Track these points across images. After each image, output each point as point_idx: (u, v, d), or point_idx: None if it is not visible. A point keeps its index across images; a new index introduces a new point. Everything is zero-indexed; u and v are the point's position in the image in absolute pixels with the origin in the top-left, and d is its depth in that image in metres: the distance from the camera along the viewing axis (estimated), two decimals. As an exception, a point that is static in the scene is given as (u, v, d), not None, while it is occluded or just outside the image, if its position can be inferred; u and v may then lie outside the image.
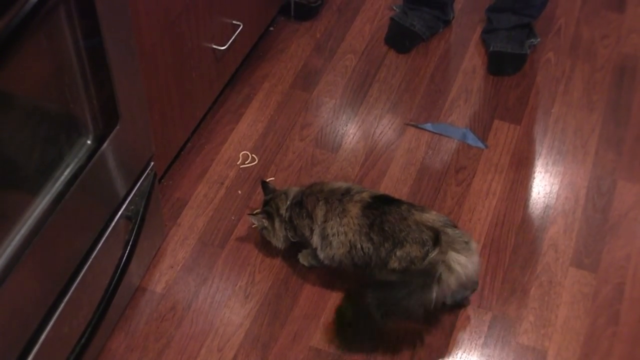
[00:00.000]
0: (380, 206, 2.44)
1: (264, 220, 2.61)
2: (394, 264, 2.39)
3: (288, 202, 2.57)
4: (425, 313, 2.34)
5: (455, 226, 2.40)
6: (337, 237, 2.45)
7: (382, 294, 2.34)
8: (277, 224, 2.59)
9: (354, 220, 2.43)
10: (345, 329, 2.51)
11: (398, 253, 2.37)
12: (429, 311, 2.35)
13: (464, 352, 2.52)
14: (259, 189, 2.84)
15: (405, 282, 2.32)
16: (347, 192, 2.49)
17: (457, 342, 2.54)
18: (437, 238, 2.34)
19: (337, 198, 2.48)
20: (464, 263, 2.33)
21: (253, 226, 2.73)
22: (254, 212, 2.64)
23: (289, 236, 2.60)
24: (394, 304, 2.32)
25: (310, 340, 2.53)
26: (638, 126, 3.12)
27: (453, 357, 2.51)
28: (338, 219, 2.45)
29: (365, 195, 2.48)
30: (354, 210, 2.44)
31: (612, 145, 3.06)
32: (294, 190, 2.61)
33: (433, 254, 2.32)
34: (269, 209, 2.60)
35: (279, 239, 2.62)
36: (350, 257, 2.46)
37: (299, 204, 2.54)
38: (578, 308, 2.62)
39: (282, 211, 2.57)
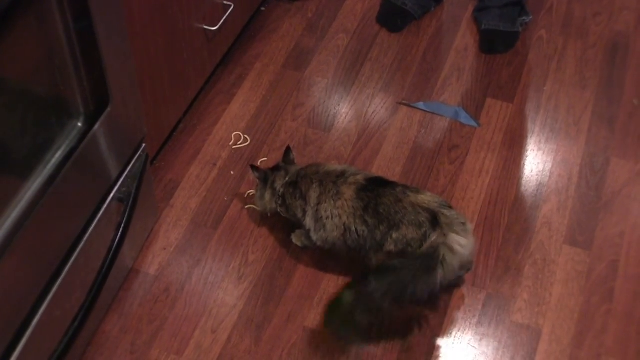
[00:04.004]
0: (375, 188, 2.43)
1: (257, 180, 2.63)
2: (390, 246, 2.38)
3: (285, 180, 2.56)
4: (430, 296, 2.35)
5: (450, 207, 2.40)
6: (330, 219, 2.45)
7: (386, 281, 2.30)
8: (267, 194, 2.60)
9: (348, 203, 2.42)
10: (340, 318, 2.49)
11: (394, 235, 2.37)
12: (434, 294, 2.37)
13: (458, 331, 2.52)
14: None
15: (409, 267, 2.30)
16: (342, 174, 2.48)
17: (451, 321, 2.54)
18: (435, 219, 2.34)
19: (331, 180, 2.47)
20: (464, 244, 2.33)
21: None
22: (258, 168, 2.64)
23: (280, 211, 2.60)
24: (400, 291, 2.29)
25: (305, 321, 2.53)
26: (631, 103, 3.12)
27: (447, 336, 2.51)
28: (332, 202, 2.44)
29: (359, 177, 2.47)
30: (348, 192, 2.43)
31: (605, 123, 3.06)
32: (294, 168, 2.60)
33: (433, 237, 2.32)
34: (267, 176, 2.60)
35: (261, 205, 2.65)
36: (344, 240, 2.46)
37: (294, 184, 2.53)
38: (572, 286, 2.62)
39: (277, 185, 2.57)
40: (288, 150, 2.65)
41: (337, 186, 2.45)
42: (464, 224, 2.36)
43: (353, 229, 2.42)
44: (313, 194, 2.48)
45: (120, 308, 2.55)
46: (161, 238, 2.71)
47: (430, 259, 2.29)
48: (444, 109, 3.09)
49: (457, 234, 2.33)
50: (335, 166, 2.56)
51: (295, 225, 2.66)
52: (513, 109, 3.10)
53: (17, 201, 1.88)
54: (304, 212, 2.51)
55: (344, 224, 2.43)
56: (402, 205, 2.37)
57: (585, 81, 3.20)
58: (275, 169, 2.62)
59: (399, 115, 3.07)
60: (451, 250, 2.31)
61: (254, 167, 2.63)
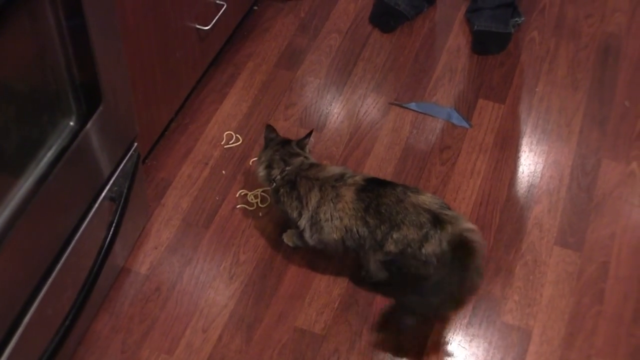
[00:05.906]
0: (375, 189, 2.42)
1: (264, 138, 2.66)
2: (389, 246, 2.38)
3: (282, 168, 2.55)
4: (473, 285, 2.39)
5: (449, 209, 2.39)
6: (330, 222, 2.44)
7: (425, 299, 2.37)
8: (262, 161, 2.59)
9: (349, 205, 2.41)
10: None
11: (395, 236, 2.36)
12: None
13: (448, 331, 2.52)
14: (243, 169, 2.85)
15: (442, 278, 2.33)
16: (341, 177, 2.47)
17: (442, 322, 2.54)
18: (436, 219, 2.33)
19: (330, 184, 2.46)
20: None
21: None
22: (273, 129, 2.65)
23: (270, 196, 2.62)
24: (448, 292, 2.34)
25: (295, 321, 2.53)
26: (622, 105, 3.13)
27: (438, 336, 2.51)
28: (332, 205, 2.43)
29: (358, 178, 2.46)
30: (348, 194, 2.42)
31: (596, 124, 3.06)
32: (297, 161, 2.56)
33: (442, 233, 2.33)
34: (270, 143, 2.62)
35: (258, 172, 2.63)
36: (342, 241, 2.45)
37: (292, 183, 2.51)
38: (563, 287, 2.62)
39: (274, 173, 2.55)
40: (310, 134, 2.64)
41: (336, 189, 2.44)
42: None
43: (354, 230, 2.41)
44: (313, 198, 2.46)
45: (111, 307, 2.54)
46: (152, 237, 2.71)
47: (461, 249, 2.31)
48: (436, 109, 3.09)
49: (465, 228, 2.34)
50: (333, 168, 2.54)
51: (286, 224, 2.66)
52: (505, 110, 3.10)
53: (8, 200, 1.88)
54: (300, 214, 2.49)
55: (346, 226, 2.42)
56: (404, 206, 2.37)
57: (577, 83, 3.20)
58: (283, 146, 2.60)
59: (390, 116, 3.08)
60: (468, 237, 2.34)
61: (269, 127, 2.66)
